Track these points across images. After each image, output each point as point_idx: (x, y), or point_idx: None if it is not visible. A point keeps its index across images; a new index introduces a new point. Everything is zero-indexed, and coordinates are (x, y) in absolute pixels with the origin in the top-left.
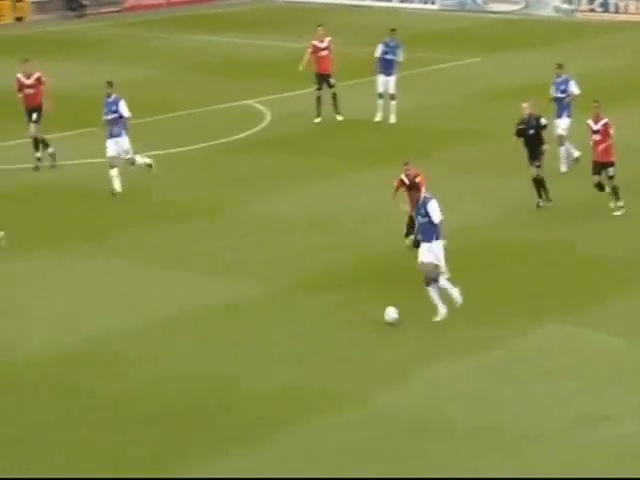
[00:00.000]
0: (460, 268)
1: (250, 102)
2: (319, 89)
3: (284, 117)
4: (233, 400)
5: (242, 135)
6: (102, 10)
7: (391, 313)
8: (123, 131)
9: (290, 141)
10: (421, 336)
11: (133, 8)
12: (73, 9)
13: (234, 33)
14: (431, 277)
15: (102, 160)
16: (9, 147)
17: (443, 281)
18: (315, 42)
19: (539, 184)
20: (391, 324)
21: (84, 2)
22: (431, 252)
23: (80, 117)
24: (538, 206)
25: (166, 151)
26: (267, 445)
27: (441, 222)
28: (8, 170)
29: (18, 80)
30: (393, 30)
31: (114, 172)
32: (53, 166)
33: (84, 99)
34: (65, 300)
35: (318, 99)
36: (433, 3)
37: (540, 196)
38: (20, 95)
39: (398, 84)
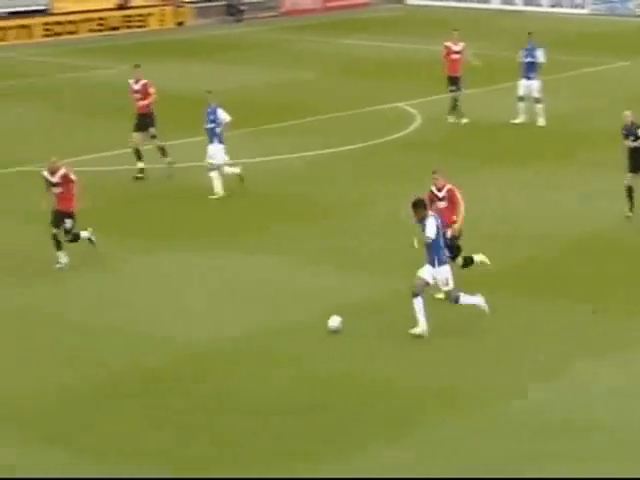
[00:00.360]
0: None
1: (401, 104)
2: (452, 91)
3: (434, 119)
4: (378, 397)
5: (392, 137)
6: (260, 15)
7: (332, 322)
8: (216, 139)
9: (439, 143)
10: (568, 334)
11: (289, 12)
12: (232, 14)
13: (385, 37)
14: (417, 291)
15: (253, 161)
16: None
17: (465, 299)
18: (448, 44)
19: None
20: (335, 331)
21: (242, 7)
22: (430, 273)
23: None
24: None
25: (317, 152)
26: (410, 442)
27: (435, 241)
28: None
29: (129, 85)
30: (530, 33)
31: (236, 170)
32: (172, 164)
33: (240, 101)
34: (216, 296)
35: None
36: (583, 7)
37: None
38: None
39: (543, 87)
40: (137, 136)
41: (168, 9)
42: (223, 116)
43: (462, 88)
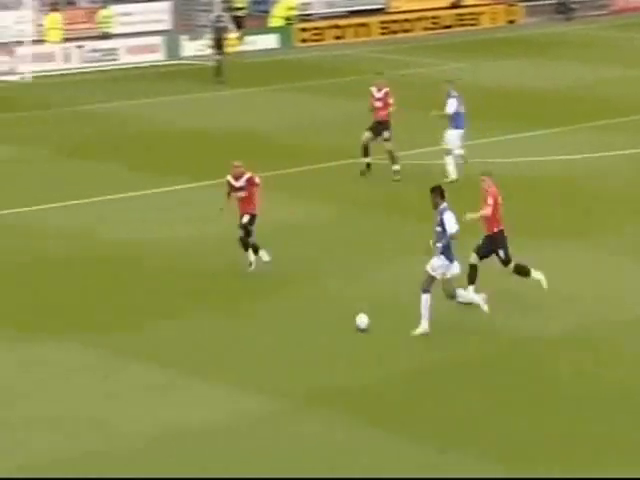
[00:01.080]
0: None
1: None
2: None
3: None
4: None
5: None
6: (590, 13)
7: (360, 320)
8: (451, 124)
9: None
10: None
11: (620, 11)
12: (562, 12)
13: None
14: (425, 287)
15: (574, 157)
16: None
17: (463, 295)
18: None
19: None
20: (363, 330)
21: (574, 6)
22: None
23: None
24: None
25: (632, 150)
26: None
27: (454, 235)
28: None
29: (371, 92)
30: None
31: (449, 160)
32: (398, 180)
33: (569, 98)
34: (562, 289)
35: None
36: None
37: None
38: (371, 107)
39: None
40: (368, 135)
41: (500, 7)
42: (448, 107)
43: None
